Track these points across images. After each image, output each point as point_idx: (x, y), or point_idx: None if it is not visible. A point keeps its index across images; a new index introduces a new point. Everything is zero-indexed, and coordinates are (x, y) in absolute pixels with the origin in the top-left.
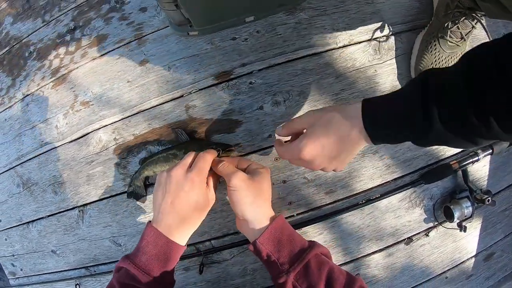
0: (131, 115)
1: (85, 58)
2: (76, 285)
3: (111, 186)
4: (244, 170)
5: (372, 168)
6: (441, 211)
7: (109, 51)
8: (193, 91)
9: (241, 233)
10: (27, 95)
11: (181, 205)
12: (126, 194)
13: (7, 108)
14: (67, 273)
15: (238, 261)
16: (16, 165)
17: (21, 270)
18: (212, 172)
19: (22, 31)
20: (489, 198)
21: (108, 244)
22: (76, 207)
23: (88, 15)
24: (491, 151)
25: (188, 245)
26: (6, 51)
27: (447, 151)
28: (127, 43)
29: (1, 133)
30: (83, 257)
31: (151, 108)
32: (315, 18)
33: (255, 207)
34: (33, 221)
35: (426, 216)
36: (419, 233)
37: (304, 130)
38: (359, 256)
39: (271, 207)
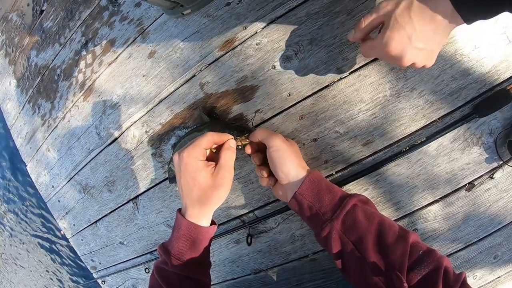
0: (154, 106)
1: (103, 66)
2: (145, 269)
3: (154, 176)
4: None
5: (412, 108)
6: (505, 147)
7: (120, 53)
8: (203, 67)
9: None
10: (66, 112)
11: (187, 187)
12: (168, 180)
13: (54, 129)
14: (136, 260)
15: (285, 228)
16: (74, 175)
17: (100, 263)
18: (226, 148)
19: (46, 58)
20: None
21: (163, 229)
22: (130, 200)
23: (94, 26)
24: None
25: (233, 218)
26: (39, 80)
27: (501, 75)
28: (133, 41)
29: (56, 151)
30: (146, 244)
31: (169, 95)
32: None
33: (295, 162)
34: (99, 219)
35: (488, 155)
36: (481, 176)
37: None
38: (414, 209)
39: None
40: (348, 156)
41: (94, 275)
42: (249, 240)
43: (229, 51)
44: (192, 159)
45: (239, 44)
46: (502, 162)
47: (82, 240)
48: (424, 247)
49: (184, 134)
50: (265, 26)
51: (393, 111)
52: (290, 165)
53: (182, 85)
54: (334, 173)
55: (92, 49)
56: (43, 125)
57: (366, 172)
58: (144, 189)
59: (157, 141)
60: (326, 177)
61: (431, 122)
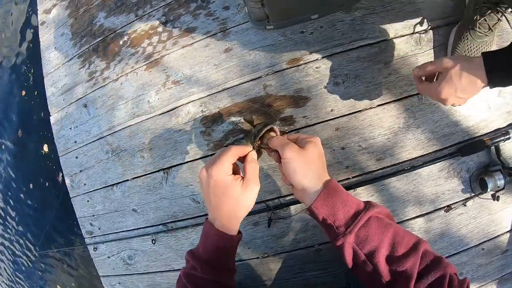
0: (217, 92)
1: (176, 46)
2: (152, 240)
3: (196, 150)
4: (295, 140)
5: (415, 140)
6: (477, 183)
7: (198, 41)
8: (270, 73)
9: None
10: (121, 76)
11: (216, 201)
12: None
13: (100, 87)
14: (144, 230)
15: (301, 217)
16: (107, 135)
17: (99, 229)
18: (250, 160)
19: (116, 23)
20: None
21: (187, 202)
22: (161, 169)
23: (178, 11)
24: None
25: (258, 202)
26: (101, 40)
27: (481, 130)
28: (213, 34)
29: (94, 107)
30: (162, 215)
31: (234, 86)
32: (366, 16)
33: (308, 175)
34: (118, 183)
35: (464, 187)
36: (457, 202)
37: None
38: (404, 219)
39: (325, 172)
40: (364, 166)
41: (87, 240)
42: (269, 223)
43: (294, 66)
44: (221, 175)
45: (303, 63)
46: (474, 194)
47: (88, 201)
48: (432, 255)
49: (231, 142)
50: (325, 56)
51: (402, 140)
52: (302, 177)
53: (248, 81)
54: (351, 177)
55: (170, 29)
56: (88, 81)
57: (375, 181)
58: (181, 162)
59: (210, 121)
60: (344, 180)
61: (427, 153)
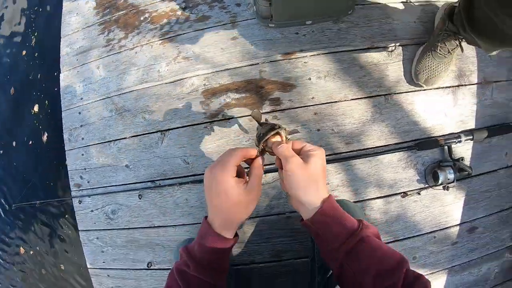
0: (220, 70)
1: (191, 28)
2: (139, 195)
3: (193, 117)
4: (299, 151)
5: (379, 131)
6: (430, 176)
7: (210, 27)
8: (266, 61)
9: None
10: (137, 46)
11: (218, 201)
12: (201, 124)
13: (115, 53)
14: (133, 185)
15: (277, 185)
16: (114, 95)
17: (88, 182)
18: (256, 167)
19: (140, 1)
20: (467, 167)
21: (178, 162)
22: (159, 130)
23: (197, 1)
24: (472, 137)
25: None
26: (123, 13)
27: (436, 132)
28: (224, 24)
29: (106, 70)
30: (152, 172)
31: (235, 68)
32: (350, 28)
33: (308, 191)
34: (116, 140)
35: (419, 178)
36: (412, 190)
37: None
38: (366, 198)
39: (324, 189)
40: (335, 147)
41: (73, 193)
42: None
43: (286, 59)
44: (225, 176)
45: (294, 58)
46: (427, 185)
47: (82, 155)
48: (414, 272)
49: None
50: (313, 55)
51: (368, 130)
52: (300, 192)
53: (247, 66)
54: None
55: (187, 14)
56: (105, 47)
57: (342, 160)
58: (178, 126)
59: (210, 94)
60: None
61: (388, 144)
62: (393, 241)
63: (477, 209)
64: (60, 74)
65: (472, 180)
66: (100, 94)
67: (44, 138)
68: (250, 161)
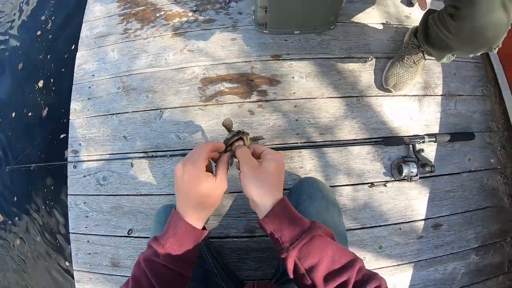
0: (218, 64)
1: (198, 28)
2: (131, 164)
3: (190, 99)
4: (259, 154)
5: (350, 127)
6: (396, 170)
7: (215, 28)
8: (257, 60)
9: None
10: (150, 37)
11: (189, 194)
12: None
13: (130, 40)
14: (127, 155)
15: None
16: (123, 75)
17: (86, 149)
18: (222, 162)
19: (157, 1)
20: (430, 165)
21: (171, 137)
22: (159, 108)
23: (206, 6)
24: (434, 139)
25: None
26: (142, 9)
27: (403, 132)
28: (226, 27)
29: (120, 53)
30: (147, 144)
31: (231, 63)
32: (331, 40)
33: (261, 191)
34: (118, 113)
35: (385, 171)
36: (379, 181)
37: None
38: (336, 184)
39: (278, 190)
40: (310, 136)
41: (69, 159)
42: (231, 163)
43: (274, 60)
44: (196, 169)
45: (282, 59)
46: (393, 179)
47: (85, 124)
48: (367, 271)
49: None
50: (297, 58)
51: (340, 124)
52: (254, 193)
53: (241, 62)
54: (299, 142)
55: (197, 16)
56: (122, 34)
57: (316, 147)
58: (176, 106)
59: (208, 81)
60: (293, 143)
61: (357, 138)
62: (361, 228)
63: (441, 207)
64: (77, 52)
65: (436, 179)
66: (111, 73)
67: (44, 113)
68: (216, 159)
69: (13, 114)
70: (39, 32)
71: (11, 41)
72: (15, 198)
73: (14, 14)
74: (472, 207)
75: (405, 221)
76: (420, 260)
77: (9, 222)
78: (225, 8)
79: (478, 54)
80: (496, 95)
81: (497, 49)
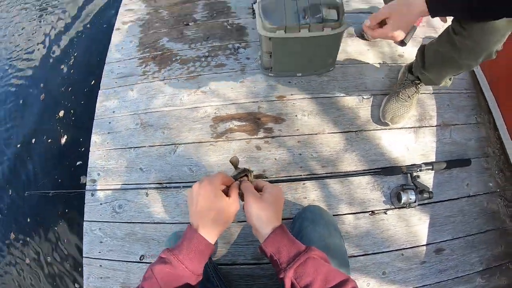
0: (228, 104)
1: (210, 71)
2: (146, 193)
3: (203, 136)
4: (261, 188)
5: (350, 159)
6: (395, 198)
7: (225, 72)
8: (264, 100)
9: None
10: (166, 78)
11: (205, 208)
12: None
13: (149, 81)
14: (143, 185)
15: None
16: (141, 113)
17: (104, 179)
18: (234, 187)
19: (173, 47)
20: (428, 191)
21: (184, 170)
22: (174, 143)
23: (217, 52)
24: (431, 167)
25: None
26: (160, 53)
27: (401, 162)
28: (235, 71)
29: (139, 93)
30: (162, 176)
31: (240, 103)
32: (331, 81)
33: (261, 219)
34: (136, 147)
35: (385, 199)
36: (379, 209)
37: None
38: (338, 213)
39: (276, 219)
40: (313, 169)
41: (88, 187)
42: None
43: (280, 100)
44: (213, 187)
45: (286, 99)
46: (393, 206)
47: (104, 156)
48: None
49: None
50: (300, 98)
51: (341, 157)
52: (255, 221)
53: (249, 102)
54: (302, 174)
55: (209, 60)
56: (141, 76)
57: (319, 179)
58: (190, 141)
59: (219, 120)
60: (297, 175)
61: (357, 170)
62: (363, 255)
63: (442, 232)
64: (99, 91)
65: (435, 205)
66: (130, 110)
67: (63, 140)
68: (227, 190)
69: (33, 140)
70: (62, 66)
71: (36, 73)
72: (29, 220)
73: (40, 48)
74: (473, 230)
75: (407, 247)
76: (424, 285)
77: (21, 242)
78: (235, 54)
79: (479, 63)
80: (490, 122)
81: (496, 54)
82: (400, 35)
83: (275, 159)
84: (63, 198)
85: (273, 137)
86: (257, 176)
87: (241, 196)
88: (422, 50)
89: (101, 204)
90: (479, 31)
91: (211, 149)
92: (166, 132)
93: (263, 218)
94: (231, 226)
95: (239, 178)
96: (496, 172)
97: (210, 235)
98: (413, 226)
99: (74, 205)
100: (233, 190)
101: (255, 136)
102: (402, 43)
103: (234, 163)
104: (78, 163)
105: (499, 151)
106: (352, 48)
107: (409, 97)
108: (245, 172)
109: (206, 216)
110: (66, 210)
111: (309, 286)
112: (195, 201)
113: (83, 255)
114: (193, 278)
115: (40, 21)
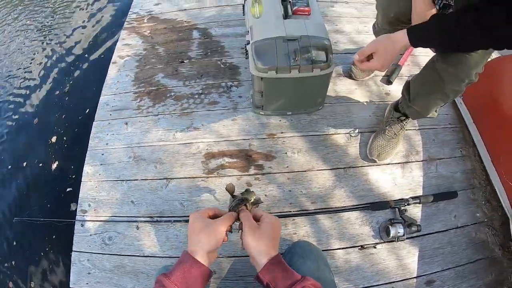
0: (220, 141)
1: (203, 108)
2: (136, 226)
3: (194, 171)
4: (259, 217)
5: (339, 195)
6: (384, 232)
7: (217, 109)
8: (255, 138)
9: None
10: (161, 114)
11: (197, 234)
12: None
13: (143, 116)
14: (134, 218)
15: None
16: (134, 146)
17: (94, 210)
18: (229, 214)
19: (169, 83)
20: (416, 224)
21: (176, 204)
22: (166, 178)
23: (211, 90)
24: (419, 200)
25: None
26: (155, 89)
27: (389, 197)
28: (228, 108)
29: (133, 126)
30: (153, 209)
31: (231, 140)
32: (320, 119)
33: (259, 248)
34: (128, 180)
35: (374, 234)
36: (369, 244)
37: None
38: (328, 248)
39: (273, 248)
40: (303, 205)
41: (78, 217)
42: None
43: (270, 138)
44: (204, 216)
45: (276, 137)
46: (382, 241)
47: (96, 187)
48: None
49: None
50: (290, 136)
51: (330, 193)
52: (253, 250)
53: (241, 139)
54: (292, 210)
55: (202, 98)
56: (135, 110)
57: (309, 215)
58: (181, 176)
59: (210, 156)
60: (287, 211)
61: (346, 205)
62: None
63: (432, 264)
64: (94, 122)
65: (424, 238)
66: (123, 143)
67: (54, 166)
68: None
69: (24, 164)
70: (57, 92)
71: (31, 97)
72: (15, 244)
73: (38, 73)
74: (463, 261)
75: (397, 280)
76: None
77: (6, 265)
78: (227, 92)
79: (464, 88)
80: (475, 154)
81: (477, 77)
82: (385, 66)
83: (266, 195)
84: (52, 225)
85: (263, 174)
86: (254, 203)
87: (239, 225)
88: (407, 85)
89: (90, 235)
90: (459, 58)
91: (202, 184)
92: (159, 167)
93: (261, 247)
94: (221, 261)
95: (237, 209)
96: (483, 202)
97: (202, 258)
98: (403, 259)
99: (63, 234)
100: (226, 216)
101: (246, 173)
102: (389, 82)
103: (230, 190)
104: (68, 189)
105: (484, 182)
106: (340, 87)
107: (395, 134)
108: (244, 202)
109: (199, 241)
110: (54, 237)
111: None
112: (190, 229)
113: (70, 286)
114: None
115: (42, 43)
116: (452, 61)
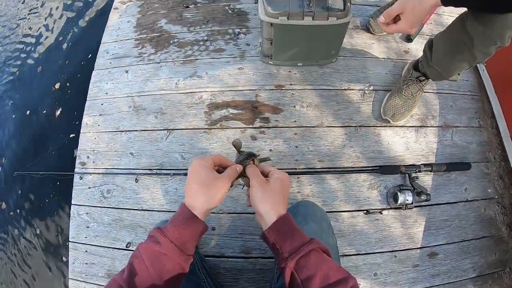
0: (225, 90)
1: (208, 56)
2: (135, 179)
3: (197, 122)
4: (267, 173)
5: (348, 155)
6: (392, 198)
7: (223, 57)
8: (262, 89)
9: None
10: (162, 61)
11: (194, 188)
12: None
13: (144, 64)
14: (133, 170)
15: None
16: (134, 95)
17: (93, 162)
18: (232, 169)
19: (171, 29)
20: (426, 193)
21: (176, 156)
22: (166, 129)
23: (216, 37)
24: (431, 168)
25: None
26: (157, 35)
27: (399, 161)
28: (234, 57)
29: (133, 75)
30: (152, 162)
31: (237, 90)
32: (333, 73)
33: (266, 205)
34: (128, 131)
35: (381, 199)
36: (375, 209)
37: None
38: (332, 210)
39: (282, 206)
40: (309, 163)
41: (77, 170)
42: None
43: (278, 89)
44: (208, 165)
45: (285, 89)
46: (389, 207)
47: (95, 138)
48: None
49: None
50: (299, 89)
51: (339, 152)
52: (259, 204)
53: (247, 90)
54: (297, 168)
55: (207, 45)
56: (136, 57)
57: (314, 174)
58: (183, 127)
59: (214, 107)
60: (292, 168)
61: (355, 166)
62: (356, 254)
63: (437, 235)
64: (94, 71)
65: (432, 208)
66: (124, 92)
67: (57, 113)
68: (222, 170)
69: (28, 112)
70: (61, 38)
71: (35, 45)
72: (17, 201)
73: (40, 22)
74: (469, 236)
75: (400, 249)
76: None
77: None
78: (234, 39)
79: (492, 51)
80: (493, 126)
81: (509, 41)
82: (413, 27)
83: (271, 150)
84: (53, 180)
85: (269, 127)
86: (262, 161)
87: (245, 181)
88: (430, 43)
89: (89, 188)
90: (493, 17)
91: (204, 136)
92: (159, 117)
93: (268, 204)
94: (221, 217)
95: (244, 164)
96: (496, 178)
97: (202, 215)
98: (408, 228)
99: (63, 187)
100: (227, 170)
101: (251, 126)
102: (409, 39)
103: (237, 146)
104: (71, 135)
105: (499, 157)
106: (356, 40)
107: (412, 94)
108: (251, 157)
109: (198, 194)
110: (55, 192)
111: (309, 279)
112: (189, 178)
113: (69, 240)
114: (182, 259)
115: None
116: (485, 19)
